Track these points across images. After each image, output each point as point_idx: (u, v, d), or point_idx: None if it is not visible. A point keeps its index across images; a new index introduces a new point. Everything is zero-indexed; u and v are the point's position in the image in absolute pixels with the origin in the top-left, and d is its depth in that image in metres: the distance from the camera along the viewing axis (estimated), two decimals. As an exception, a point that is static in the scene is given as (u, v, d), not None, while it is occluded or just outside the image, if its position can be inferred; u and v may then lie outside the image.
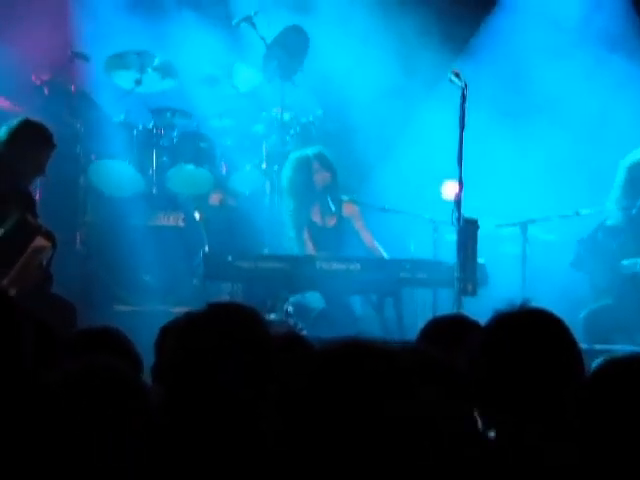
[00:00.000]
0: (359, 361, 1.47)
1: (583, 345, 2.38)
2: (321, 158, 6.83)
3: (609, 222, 6.37)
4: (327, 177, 6.83)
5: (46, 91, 7.26)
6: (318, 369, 1.41)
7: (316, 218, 6.88)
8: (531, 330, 2.23)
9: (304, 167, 6.79)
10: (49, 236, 5.11)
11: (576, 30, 7.74)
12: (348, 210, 6.89)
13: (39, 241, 5.03)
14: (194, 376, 2.15)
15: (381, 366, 1.47)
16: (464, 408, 2.24)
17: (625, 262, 6.26)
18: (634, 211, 6.26)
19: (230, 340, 2.18)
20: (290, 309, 6.25)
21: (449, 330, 2.92)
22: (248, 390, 2.12)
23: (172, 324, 3.01)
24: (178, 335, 2.25)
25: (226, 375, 2.13)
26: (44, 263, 5.05)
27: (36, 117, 7.23)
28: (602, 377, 1.88)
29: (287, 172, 6.86)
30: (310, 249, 6.77)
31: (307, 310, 6.36)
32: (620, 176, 6.36)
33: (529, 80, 7.64)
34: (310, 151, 6.91)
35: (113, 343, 2.89)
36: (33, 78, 7.25)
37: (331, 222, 6.89)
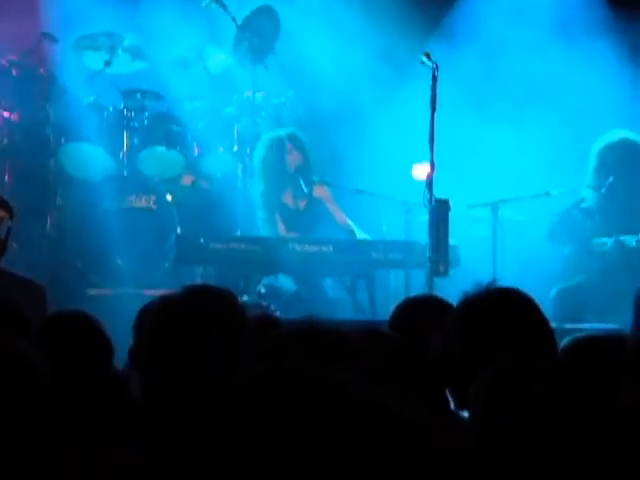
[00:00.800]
0: (310, 344, 1.49)
1: (553, 324, 2.40)
2: (294, 139, 6.83)
3: (584, 204, 6.44)
4: (299, 159, 6.84)
5: (14, 73, 7.18)
6: (271, 351, 1.42)
7: (288, 200, 6.89)
8: (500, 310, 2.24)
9: (276, 148, 6.79)
10: (5, 206, 5.02)
11: (550, 11, 7.77)
12: (319, 192, 6.91)
13: (1, 212, 4.93)
14: (172, 360, 2.15)
15: (332, 348, 1.48)
16: (427, 387, 2.25)
17: (595, 241, 6.33)
18: (603, 190, 6.33)
19: (207, 322, 2.18)
20: (263, 291, 6.25)
21: (420, 311, 2.93)
22: (227, 372, 2.13)
23: (150, 307, 3.02)
24: (155, 319, 2.25)
25: (204, 357, 2.13)
26: (2, 236, 4.96)
27: (4, 99, 7.17)
28: (566, 358, 1.91)
29: (259, 152, 6.86)
30: (282, 231, 6.78)
31: (279, 292, 6.37)
32: (592, 160, 6.44)
33: (502, 62, 7.66)
34: (283, 132, 6.91)
35: (84, 328, 2.88)
36: (2, 60, 7.16)
37: (302, 204, 6.89)
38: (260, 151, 6.85)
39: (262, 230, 6.79)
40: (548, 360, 2.19)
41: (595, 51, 7.43)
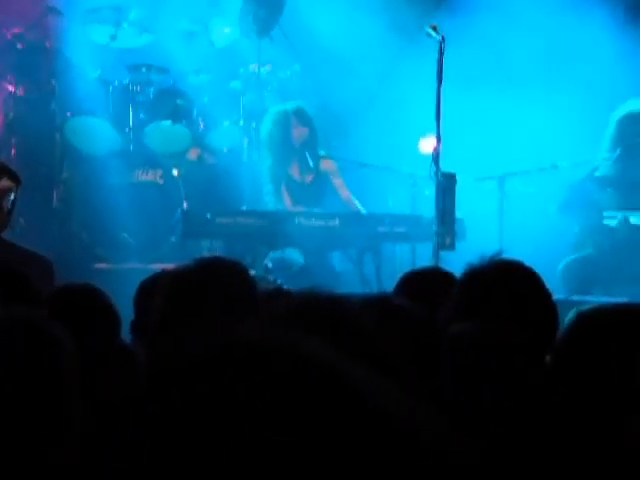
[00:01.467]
0: (311, 315, 1.48)
1: (560, 295, 2.41)
2: (300, 113, 6.81)
3: (597, 173, 6.41)
4: (305, 132, 6.82)
5: (20, 46, 7.16)
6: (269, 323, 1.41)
7: (294, 173, 6.88)
8: (502, 282, 2.24)
9: (282, 122, 6.77)
10: (13, 176, 5.02)
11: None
12: (325, 165, 6.89)
13: (4, 182, 4.93)
14: (183, 330, 2.16)
15: (333, 319, 1.47)
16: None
17: (606, 213, 6.31)
18: (618, 157, 6.29)
19: (218, 293, 2.19)
20: (270, 265, 6.26)
21: (425, 283, 2.94)
22: None
23: (150, 281, 3.02)
24: (167, 290, 2.25)
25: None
26: (8, 206, 4.96)
27: (10, 73, 7.15)
28: (572, 331, 1.90)
29: (266, 126, 6.85)
30: (288, 204, 6.78)
31: (287, 266, 6.38)
32: (610, 128, 6.39)
33: (509, 33, 7.60)
34: (289, 106, 6.88)
35: (92, 301, 2.89)
36: (7, 34, 7.14)
37: (309, 178, 6.89)
38: (266, 125, 6.84)
39: (269, 204, 6.79)
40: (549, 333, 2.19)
41: (608, 19, 7.36)
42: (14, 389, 1.60)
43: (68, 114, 7.18)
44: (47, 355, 1.67)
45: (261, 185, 6.95)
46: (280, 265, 6.32)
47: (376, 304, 2.13)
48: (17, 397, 1.60)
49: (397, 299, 2.21)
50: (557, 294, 2.36)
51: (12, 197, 4.88)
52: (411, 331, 2.08)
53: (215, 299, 2.20)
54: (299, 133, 6.81)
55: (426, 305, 2.60)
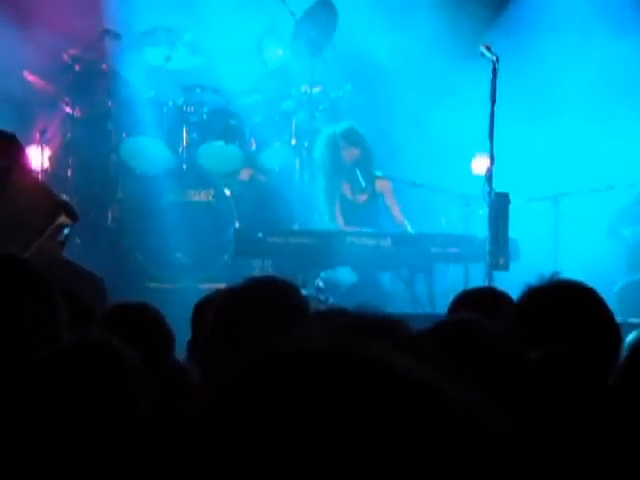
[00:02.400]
0: (360, 331, 1.46)
1: (617, 318, 2.36)
2: (349, 134, 6.83)
3: None
4: (356, 153, 6.83)
5: (77, 68, 7.29)
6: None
7: (347, 194, 6.90)
8: (564, 302, 2.21)
9: (331, 144, 6.83)
10: (71, 213, 5.12)
11: (607, 4, 7.62)
12: (381, 186, 6.90)
13: (62, 219, 5.04)
14: (234, 351, 2.16)
15: (383, 336, 1.45)
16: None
17: None
18: None
19: (270, 312, 2.19)
20: (321, 284, 6.26)
21: (479, 302, 2.90)
22: None
23: (205, 301, 3.03)
24: (218, 308, 2.26)
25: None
26: (62, 239, 5.06)
27: (67, 94, 7.28)
28: (634, 354, 1.86)
29: (318, 148, 6.92)
30: (340, 224, 6.80)
31: (338, 285, 6.37)
32: None
33: (564, 53, 7.54)
34: (338, 127, 6.92)
35: (146, 319, 2.91)
36: (64, 56, 7.28)
37: (362, 198, 6.89)
38: (318, 147, 6.91)
39: (322, 223, 6.81)
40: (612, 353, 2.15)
41: None
42: (94, 415, 1.62)
43: (124, 134, 7.29)
44: (122, 380, 1.69)
45: (312, 204, 6.97)
46: (331, 284, 6.31)
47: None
48: (94, 421, 1.62)
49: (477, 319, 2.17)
50: (614, 316, 2.31)
51: (66, 232, 4.98)
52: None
53: (267, 318, 2.20)
54: (350, 154, 6.83)
55: None
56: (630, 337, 2.10)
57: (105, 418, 1.63)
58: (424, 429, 0.68)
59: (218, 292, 2.99)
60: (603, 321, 2.22)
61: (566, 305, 2.21)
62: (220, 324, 2.20)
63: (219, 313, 2.24)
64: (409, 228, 6.77)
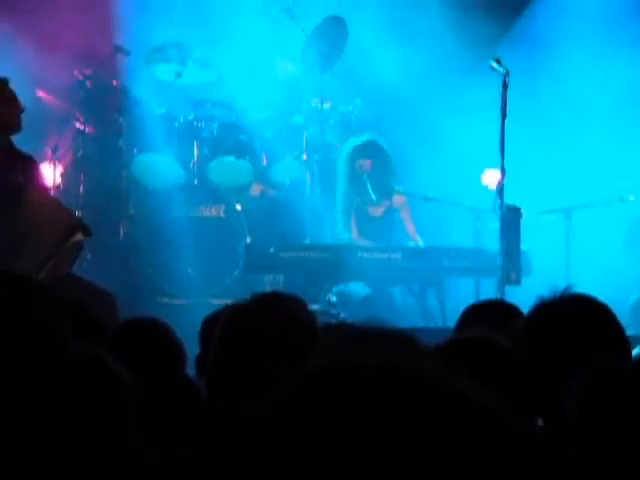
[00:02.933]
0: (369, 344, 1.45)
1: (630, 331, 2.35)
2: (365, 146, 6.86)
3: None
4: (368, 164, 6.84)
5: (89, 85, 7.33)
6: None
7: (362, 206, 6.91)
8: (575, 315, 2.21)
9: (347, 156, 6.89)
10: (87, 231, 5.16)
11: (623, 18, 7.63)
12: (398, 200, 6.91)
13: (78, 236, 5.07)
14: (242, 364, 2.15)
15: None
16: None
17: None
18: None
19: (278, 328, 2.18)
20: (333, 299, 6.25)
21: (489, 315, 2.89)
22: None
23: (214, 316, 3.03)
24: (226, 324, 2.25)
25: (274, 362, 2.13)
26: (73, 256, 5.09)
27: (79, 111, 7.32)
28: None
29: (339, 159, 7.00)
30: (355, 236, 6.81)
31: (350, 298, 6.36)
32: None
33: (573, 67, 7.53)
34: (355, 140, 6.95)
35: (157, 335, 2.91)
36: (76, 73, 7.32)
37: (377, 211, 6.90)
38: (340, 158, 6.98)
39: (337, 233, 6.85)
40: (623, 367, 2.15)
41: None
42: (79, 427, 1.62)
43: (135, 150, 7.31)
44: (109, 396, 1.69)
45: (323, 219, 6.98)
46: (345, 297, 6.30)
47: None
48: (80, 433, 1.62)
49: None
50: (628, 330, 2.31)
51: (78, 247, 5.01)
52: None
53: (274, 333, 2.19)
54: (362, 165, 6.84)
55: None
56: (636, 350, 2.10)
57: (90, 431, 1.63)
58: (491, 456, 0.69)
59: (227, 307, 2.99)
60: (614, 334, 2.21)
61: (578, 319, 2.21)
62: (227, 340, 2.20)
63: (226, 329, 2.23)
64: (421, 244, 6.77)
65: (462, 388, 0.73)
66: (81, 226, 5.18)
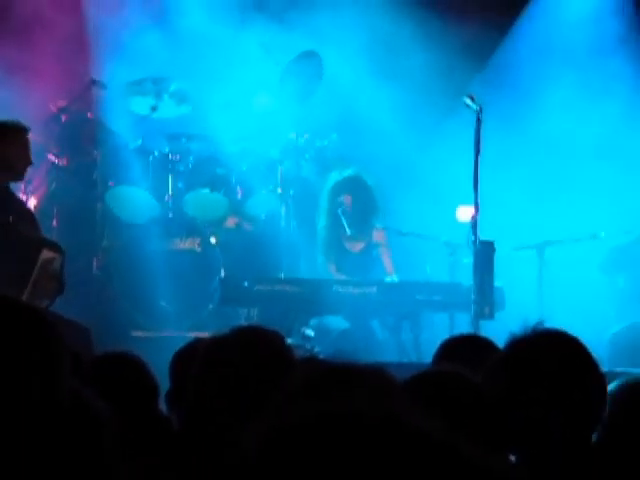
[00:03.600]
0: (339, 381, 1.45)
1: (605, 368, 2.36)
2: (346, 181, 6.89)
3: None
4: (347, 200, 6.87)
5: (63, 119, 7.32)
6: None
7: (341, 241, 6.93)
8: (548, 351, 2.22)
9: (329, 190, 6.90)
10: (55, 247, 5.15)
11: (594, 56, 7.75)
12: (377, 237, 6.92)
13: (46, 254, 5.05)
14: (220, 396, 2.14)
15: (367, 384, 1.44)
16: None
17: None
18: None
19: (256, 362, 2.18)
20: (308, 332, 6.24)
21: (463, 351, 2.90)
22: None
23: (184, 350, 3.01)
24: (202, 361, 2.25)
25: (252, 396, 2.12)
26: (55, 273, 5.07)
27: (54, 145, 7.31)
28: (616, 400, 1.86)
29: (321, 194, 7.01)
30: (332, 270, 6.82)
31: (328, 331, 6.35)
32: None
33: (543, 103, 7.64)
34: (336, 174, 6.97)
35: (130, 369, 2.89)
36: (50, 106, 7.32)
37: (356, 247, 6.92)
38: (321, 193, 6.99)
39: (319, 269, 6.85)
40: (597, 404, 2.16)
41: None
42: (57, 463, 1.61)
43: (109, 183, 7.30)
44: (90, 435, 1.68)
45: (299, 252, 6.98)
46: (322, 330, 6.29)
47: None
48: (59, 470, 1.61)
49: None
50: (605, 366, 2.32)
51: (56, 265, 4.98)
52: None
53: (251, 368, 2.19)
54: (344, 201, 6.87)
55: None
56: (610, 386, 2.11)
57: (71, 466, 1.62)
58: None
59: (197, 341, 2.98)
60: (588, 370, 2.23)
61: (550, 355, 2.22)
62: (205, 377, 2.19)
63: (204, 361, 2.23)
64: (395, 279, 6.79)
65: (429, 433, 0.76)
66: (46, 244, 5.17)
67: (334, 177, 6.94)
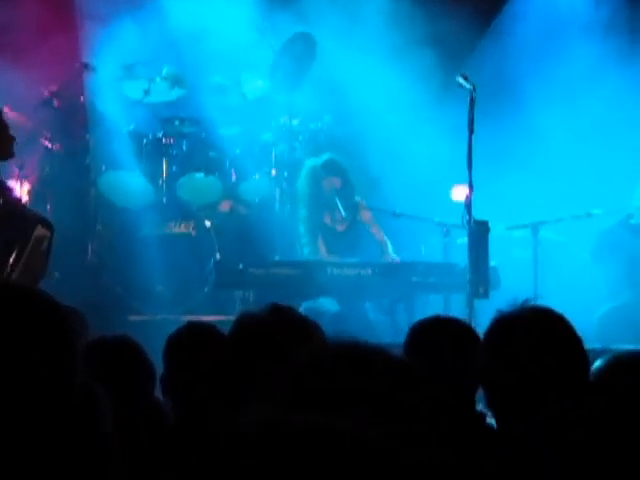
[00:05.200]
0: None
1: (597, 345, 2.38)
2: (330, 165, 6.88)
3: (633, 221, 6.35)
4: (337, 182, 6.88)
5: (56, 103, 7.29)
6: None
7: (328, 223, 6.94)
8: (532, 328, 2.23)
9: (312, 175, 6.89)
10: (47, 224, 5.15)
11: (580, 25, 7.75)
12: (364, 216, 6.94)
13: (39, 230, 5.05)
14: (204, 383, 2.15)
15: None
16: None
17: None
18: None
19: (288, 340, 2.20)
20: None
21: (435, 333, 2.88)
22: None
23: (177, 336, 3.02)
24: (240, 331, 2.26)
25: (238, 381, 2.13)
26: (45, 251, 5.08)
27: (46, 129, 7.29)
28: (602, 376, 1.88)
29: (300, 180, 6.98)
30: (323, 252, 6.81)
31: (320, 314, 6.37)
32: None
33: (537, 80, 7.63)
34: (319, 159, 6.96)
35: (126, 353, 2.89)
36: (44, 92, 7.28)
37: (342, 227, 6.92)
38: (300, 179, 6.97)
39: (305, 253, 6.82)
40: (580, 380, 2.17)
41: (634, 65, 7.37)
42: (63, 454, 1.63)
43: (103, 168, 7.28)
44: (94, 426, 1.69)
45: (293, 235, 6.98)
46: (314, 314, 6.30)
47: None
48: (64, 459, 1.62)
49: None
50: (595, 343, 2.33)
51: (46, 244, 4.99)
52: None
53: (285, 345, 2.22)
54: (330, 183, 6.87)
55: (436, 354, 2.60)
56: (597, 363, 2.12)
57: (75, 456, 1.63)
58: None
59: (188, 326, 2.98)
60: (571, 345, 2.24)
61: (533, 330, 2.24)
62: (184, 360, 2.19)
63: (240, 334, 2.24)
64: (390, 249, 6.80)
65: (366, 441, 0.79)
66: (40, 220, 5.17)
67: (313, 162, 6.95)
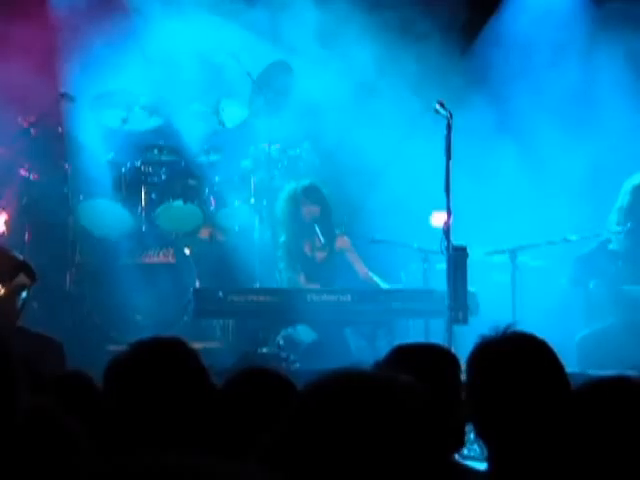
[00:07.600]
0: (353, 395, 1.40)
1: (575, 369, 2.38)
2: (309, 191, 6.88)
3: (611, 246, 6.37)
4: (316, 210, 6.88)
5: (33, 133, 7.27)
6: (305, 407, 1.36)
7: (307, 251, 6.92)
8: (514, 354, 2.24)
9: (291, 200, 6.87)
10: (30, 273, 5.09)
11: (560, 47, 7.82)
12: (340, 243, 6.93)
13: (21, 278, 4.99)
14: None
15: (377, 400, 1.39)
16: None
17: (626, 287, 6.25)
18: (631, 230, 6.26)
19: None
20: (282, 342, 6.23)
21: (413, 358, 2.86)
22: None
23: (117, 359, 2.95)
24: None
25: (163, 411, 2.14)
26: (20, 303, 5.01)
27: (25, 159, 7.26)
28: (579, 399, 1.88)
29: (279, 205, 6.97)
30: (302, 281, 6.79)
31: (297, 343, 6.34)
32: (622, 199, 6.38)
33: (514, 106, 7.68)
34: (300, 184, 6.96)
35: (92, 387, 2.86)
36: (20, 120, 7.26)
37: (321, 255, 6.91)
38: (279, 203, 6.96)
39: (284, 280, 6.80)
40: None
41: (618, 94, 7.44)
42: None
43: (81, 197, 7.25)
44: (62, 451, 1.67)
45: (273, 262, 6.96)
46: (291, 342, 6.28)
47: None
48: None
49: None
50: (573, 367, 2.33)
51: (24, 295, 4.93)
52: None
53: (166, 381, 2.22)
54: (309, 211, 6.87)
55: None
56: (577, 388, 2.11)
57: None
58: None
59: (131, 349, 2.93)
60: (553, 372, 2.24)
61: (516, 357, 2.24)
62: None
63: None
64: (378, 281, 6.80)
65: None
66: (24, 268, 5.11)
67: (292, 188, 6.94)
